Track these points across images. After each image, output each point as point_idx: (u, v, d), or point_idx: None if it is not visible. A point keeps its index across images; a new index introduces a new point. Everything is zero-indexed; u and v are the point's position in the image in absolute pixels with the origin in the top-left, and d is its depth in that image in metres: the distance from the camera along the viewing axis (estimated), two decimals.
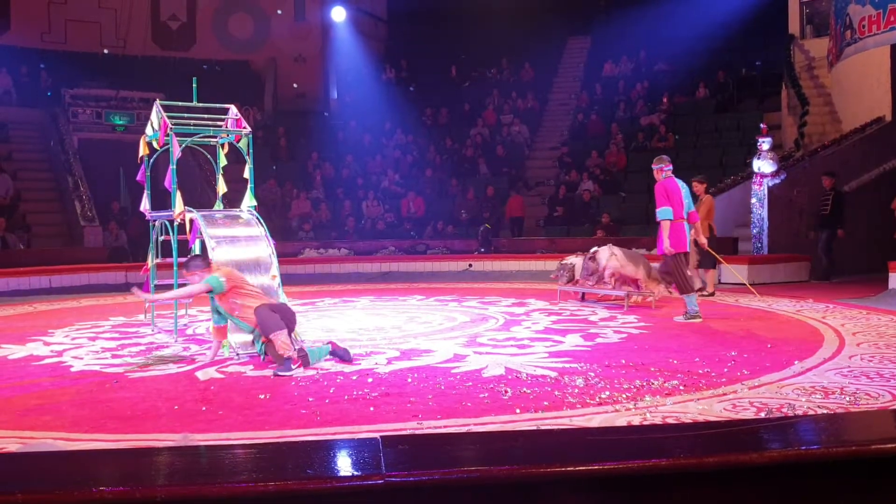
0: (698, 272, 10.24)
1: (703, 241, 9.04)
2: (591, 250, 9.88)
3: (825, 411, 4.36)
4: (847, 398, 4.63)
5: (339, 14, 22.81)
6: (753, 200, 13.35)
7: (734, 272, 10.59)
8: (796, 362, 5.73)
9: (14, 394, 5.22)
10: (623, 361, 5.91)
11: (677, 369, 5.58)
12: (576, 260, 10.19)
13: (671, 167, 8.54)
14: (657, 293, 9.49)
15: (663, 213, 8.29)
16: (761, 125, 14.27)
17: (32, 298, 11.88)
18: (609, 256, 9.59)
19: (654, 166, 8.66)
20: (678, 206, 8.35)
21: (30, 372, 5.99)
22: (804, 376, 5.29)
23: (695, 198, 9.71)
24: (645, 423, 4.18)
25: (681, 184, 8.51)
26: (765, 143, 13.51)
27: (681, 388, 4.97)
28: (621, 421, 4.25)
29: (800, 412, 4.34)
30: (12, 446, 3.98)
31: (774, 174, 13.36)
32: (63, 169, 17.32)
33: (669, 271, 8.54)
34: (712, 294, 10.37)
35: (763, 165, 13.38)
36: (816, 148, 14.86)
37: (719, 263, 10.28)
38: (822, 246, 12.43)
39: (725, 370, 5.52)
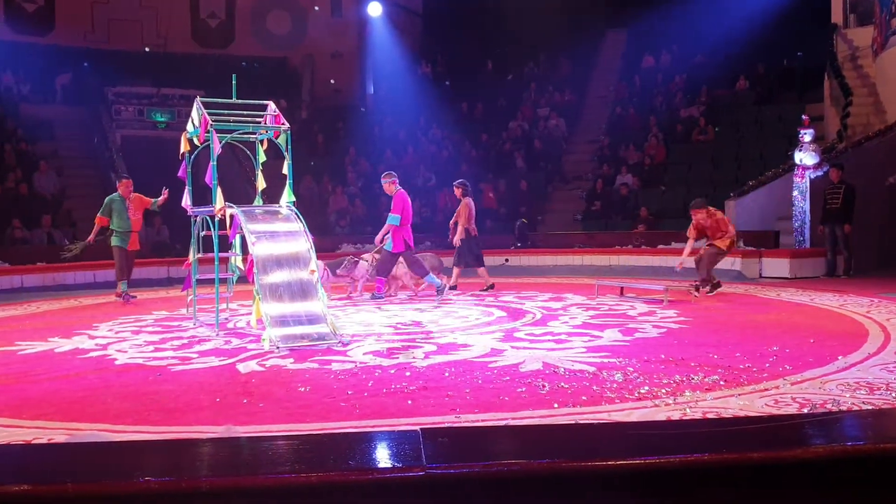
0: (457, 270, 11.51)
1: (457, 241, 11.19)
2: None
3: (870, 407, 4.29)
4: (893, 394, 4.54)
5: (375, 9, 22.89)
6: (795, 193, 13.12)
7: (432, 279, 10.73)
8: (840, 357, 5.63)
9: (61, 386, 5.35)
10: (662, 356, 5.87)
11: (717, 364, 5.51)
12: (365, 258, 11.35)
13: (397, 180, 10.29)
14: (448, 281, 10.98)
15: (393, 218, 9.98)
16: (803, 116, 14.01)
17: (78, 293, 12.15)
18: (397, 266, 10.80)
19: (384, 180, 10.37)
20: (408, 214, 10.12)
21: (75, 365, 6.13)
22: (848, 372, 5.19)
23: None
24: (685, 418, 4.14)
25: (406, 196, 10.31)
26: (806, 135, 13.26)
27: (721, 383, 4.92)
28: (660, 416, 4.22)
29: (844, 408, 4.27)
30: (60, 437, 4.08)
31: (817, 166, 13.11)
32: (107, 165, 17.64)
33: (383, 261, 10.38)
34: (454, 287, 11.24)
35: (805, 157, 13.13)
36: (860, 139, 14.53)
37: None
38: (843, 241, 12.21)
39: (767, 365, 5.44)
